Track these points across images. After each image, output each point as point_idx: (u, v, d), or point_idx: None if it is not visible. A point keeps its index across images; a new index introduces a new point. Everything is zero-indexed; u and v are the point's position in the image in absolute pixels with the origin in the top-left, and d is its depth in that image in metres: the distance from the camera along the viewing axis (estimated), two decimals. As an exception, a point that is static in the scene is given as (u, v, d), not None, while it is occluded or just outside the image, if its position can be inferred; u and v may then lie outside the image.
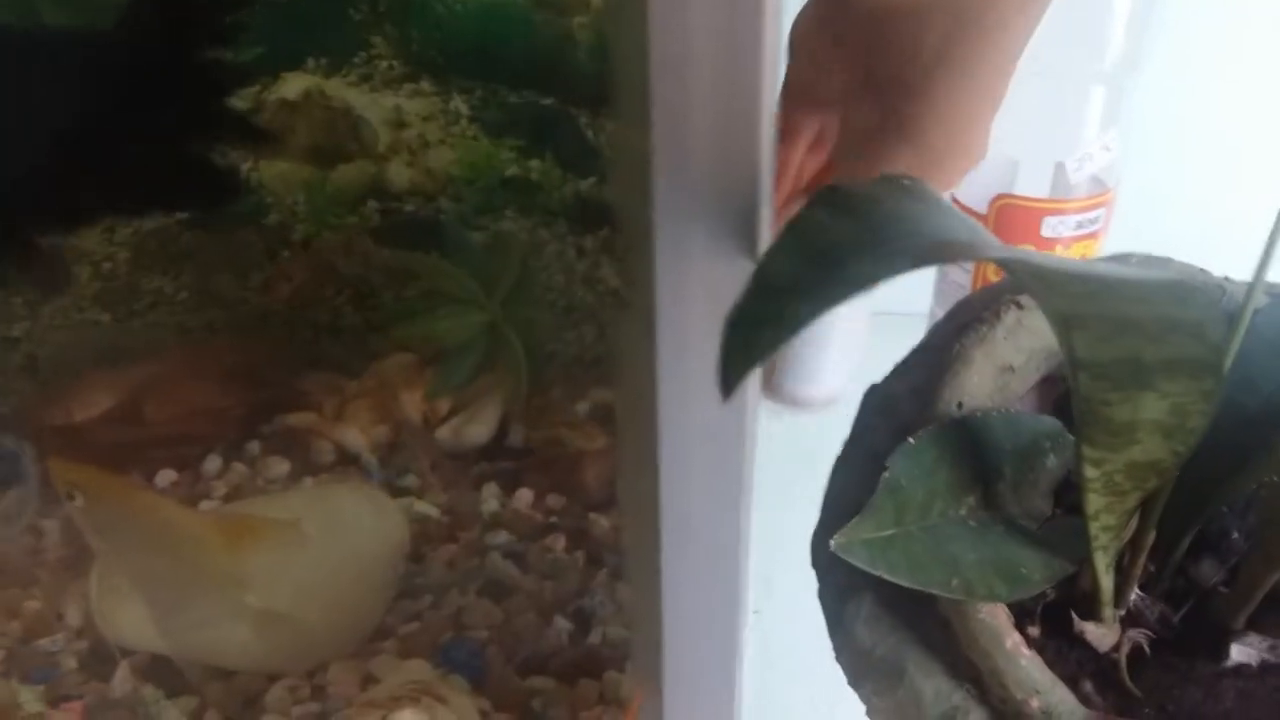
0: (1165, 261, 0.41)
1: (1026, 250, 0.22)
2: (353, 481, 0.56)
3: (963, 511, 0.31)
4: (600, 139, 0.62)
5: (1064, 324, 0.24)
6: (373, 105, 0.62)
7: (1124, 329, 0.23)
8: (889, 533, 0.28)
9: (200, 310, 0.66)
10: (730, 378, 0.18)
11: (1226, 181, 0.69)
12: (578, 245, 0.65)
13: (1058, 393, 0.39)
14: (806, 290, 0.18)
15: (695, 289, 0.21)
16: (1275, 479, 0.30)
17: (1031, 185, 0.55)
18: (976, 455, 0.32)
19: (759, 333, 0.18)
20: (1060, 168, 0.54)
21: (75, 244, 0.64)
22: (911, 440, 0.30)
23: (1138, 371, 0.24)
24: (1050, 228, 0.55)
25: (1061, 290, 0.22)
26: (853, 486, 0.33)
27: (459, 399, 0.61)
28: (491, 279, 0.61)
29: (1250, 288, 0.28)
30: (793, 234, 0.20)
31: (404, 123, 0.62)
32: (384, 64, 0.61)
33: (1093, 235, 0.56)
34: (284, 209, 0.64)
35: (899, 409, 0.34)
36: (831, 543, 0.27)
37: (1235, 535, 0.34)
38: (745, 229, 0.20)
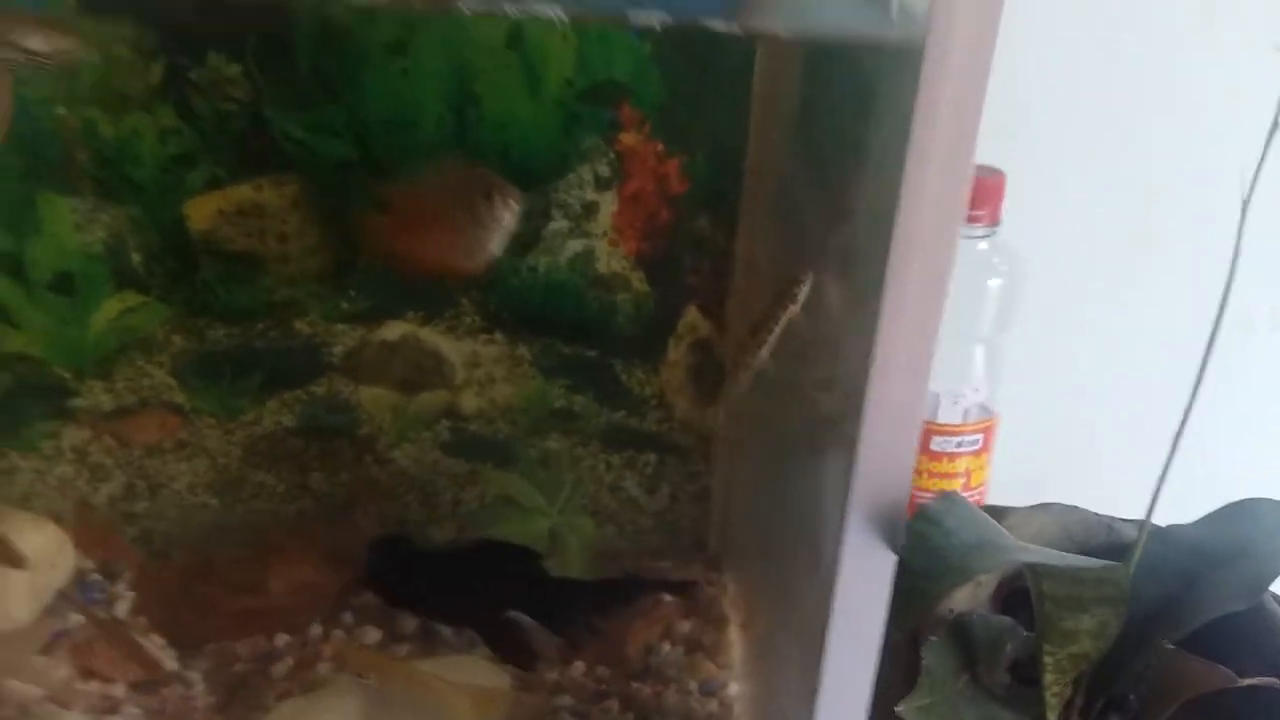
0: (1071, 509, 0.62)
1: (1043, 550, 0.40)
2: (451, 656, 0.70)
3: (961, 685, 0.49)
4: (630, 382, 0.80)
5: (1034, 574, 0.43)
6: (455, 349, 0.79)
7: (1074, 581, 0.42)
8: (928, 701, 0.46)
9: (294, 501, 0.81)
10: (899, 621, 0.36)
11: (1086, 412, 0.91)
12: (607, 462, 0.82)
13: (1005, 593, 0.58)
14: (930, 575, 0.36)
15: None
16: (1155, 663, 0.49)
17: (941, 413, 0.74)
18: (965, 645, 0.51)
19: (908, 598, 0.36)
20: (938, 399, 0.73)
21: (198, 442, 0.78)
22: (934, 638, 0.48)
23: (1079, 603, 0.43)
24: (937, 444, 0.73)
25: (1040, 563, 0.41)
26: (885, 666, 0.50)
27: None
28: (550, 489, 0.78)
29: (1141, 530, 0.48)
30: (914, 539, 0.38)
31: (478, 363, 0.79)
32: (467, 318, 0.78)
33: (975, 453, 0.75)
34: (373, 425, 0.80)
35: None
36: (898, 709, 0.45)
37: (1131, 698, 0.52)
38: (893, 533, 0.38)
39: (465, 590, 0.66)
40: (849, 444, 0.37)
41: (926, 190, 0.30)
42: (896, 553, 0.37)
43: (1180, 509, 0.54)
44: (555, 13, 0.46)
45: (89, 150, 0.69)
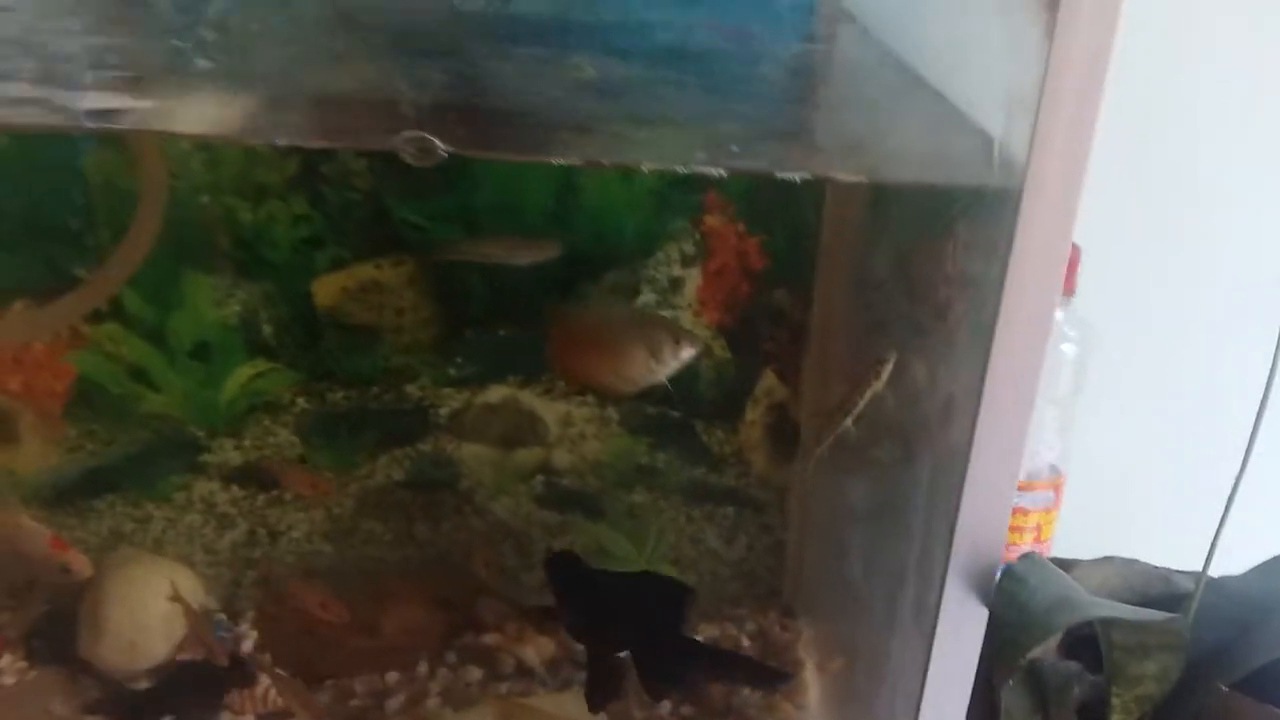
0: (1132, 562, 0.67)
1: (1113, 604, 0.46)
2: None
3: (1036, 724, 0.54)
4: (710, 441, 0.87)
5: (1105, 625, 0.49)
6: (550, 409, 0.86)
7: (1140, 630, 0.48)
8: (1008, 736, 0.51)
9: (399, 548, 0.87)
10: (995, 669, 0.42)
11: (1155, 472, 0.96)
12: (688, 515, 0.89)
13: (1070, 640, 0.64)
14: (1021, 627, 0.42)
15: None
16: (1211, 704, 0.54)
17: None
18: (1038, 689, 0.56)
19: (1003, 650, 0.42)
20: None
21: (314, 497, 0.85)
22: (1010, 683, 0.54)
23: (1145, 650, 0.49)
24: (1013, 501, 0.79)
25: (1110, 616, 0.47)
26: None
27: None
28: (637, 539, 0.84)
29: (1198, 583, 0.53)
30: (1003, 596, 0.44)
31: (570, 422, 0.86)
32: (561, 383, 0.85)
33: (1046, 509, 0.81)
34: (473, 479, 0.86)
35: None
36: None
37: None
38: (986, 588, 0.44)
39: (623, 613, 0.71)
40: (950, 508, 0.43)
41: (1022, 314, 0.36)
42: (989, 608, 0.43)
43: (1234, 559, 0.59)
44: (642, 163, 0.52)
45: (229, 234, 0.77)
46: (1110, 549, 0.70)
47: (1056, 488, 0.76)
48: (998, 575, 0.44)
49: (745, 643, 0.84)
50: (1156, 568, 0.69)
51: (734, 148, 0.43)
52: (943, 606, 0.42)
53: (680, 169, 0.46)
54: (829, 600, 0.80)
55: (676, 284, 0.82)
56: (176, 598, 0.76)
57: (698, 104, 0.49)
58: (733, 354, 0.84)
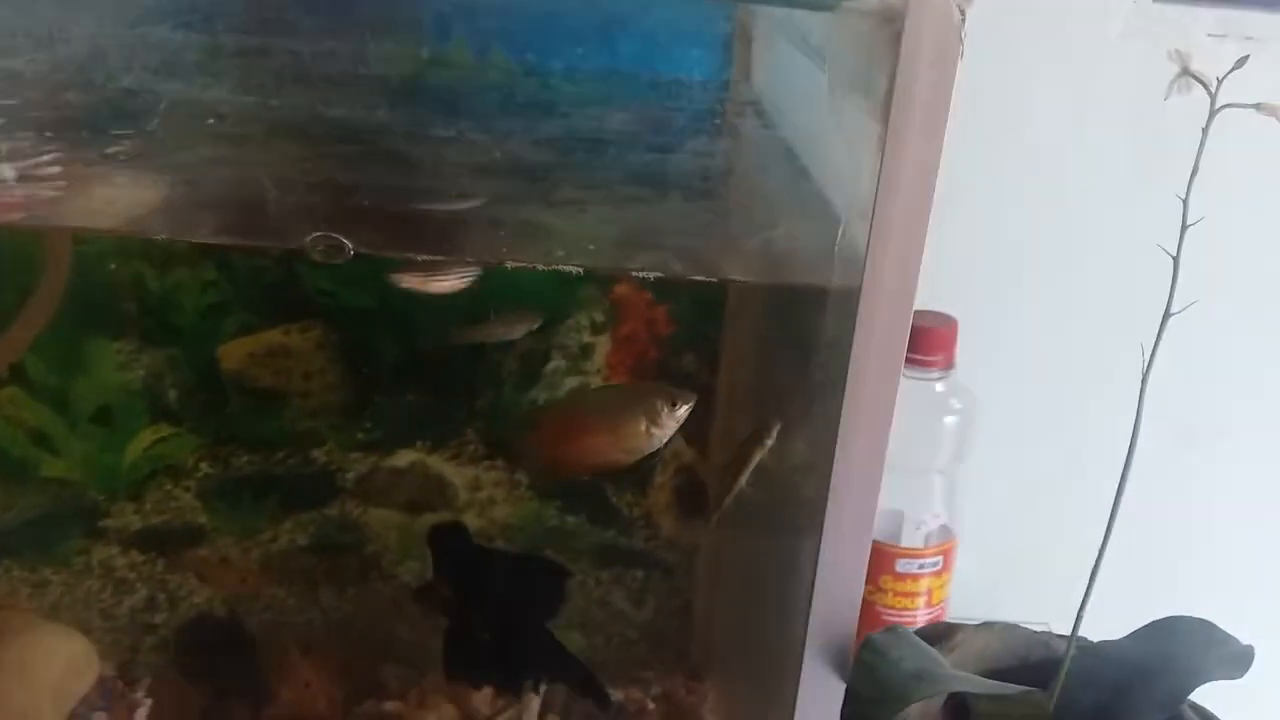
0: (1013, 627, 0.69)
1: (972, 679, 0.48)
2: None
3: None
4: (619, 504, 0.88)
5: (974, 696, 0.50)
6: (459, 474, 0.86)
7: (1001, 701, 0.49)
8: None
9: (302, 613, 0.87)
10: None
11: (1031, 533, 0.99)
12: (596, 578, 0.89)
13: (954, 703, 0.65)
14: (877, 702, 0.44)
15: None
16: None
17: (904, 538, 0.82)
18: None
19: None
20: (901, 525, 0.81)
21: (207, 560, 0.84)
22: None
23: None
24: (901, 566, 0.81)
25: (969, 691, 0.48)
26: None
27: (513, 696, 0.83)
28: (543, 605, 0.84)
29: (1068, 647, 0.55)
30: (861, 668, 0.45)
31: (479, 487, 0.87)
32: (471, 447, 0.85)
33: (936, 573, 0.83)
34: (379, 544, 0.86)
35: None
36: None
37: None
38: (842, 661, 0.45)
39: (499, 593, 0.72)
40: (805, 582, 0.44)
41: (863, 406, 0.38)
42: (846, 682, 0.45)
43: (1125, 621, 0.61)
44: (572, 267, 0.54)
45: (135, 299, 0.77)
46: (1004, 610, 0.72)
47: (946, 552, 0.78)
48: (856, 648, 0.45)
49: (650, 705, 0.84)
50: (1037, 632, 0.71)
51: (591, 247, 0.45)
52: (801, 680, 0.44)
53: (573, 270, 0.47)
54: (731, 664, 0.81)
55: (587, 350, 0.84)
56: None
57: (600, 196, 0.51)
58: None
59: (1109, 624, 0.61)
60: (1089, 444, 0.95)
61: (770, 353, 0.73)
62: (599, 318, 0.83)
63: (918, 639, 0.47)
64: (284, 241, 0.54)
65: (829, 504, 0.40)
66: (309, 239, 0.44)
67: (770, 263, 0.47)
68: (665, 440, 0.67)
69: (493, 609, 0.71)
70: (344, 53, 0.58)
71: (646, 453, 0.67)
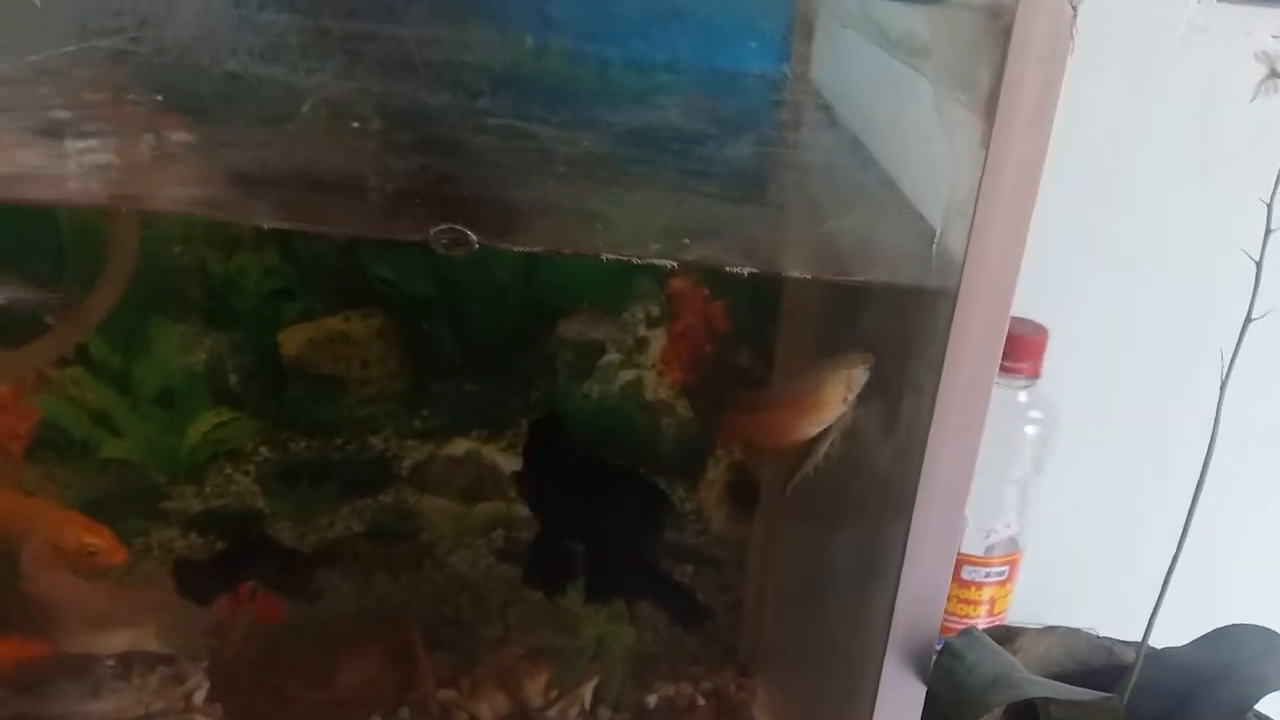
0: (1075, 632, 0.68)
1: (1051, 684, 0.47)
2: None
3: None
4: (672, 499, 0.87)
5: (1045, 703, 0.50)
6: (512, 464, 0.86)
7: (1077, 708, 0.49)
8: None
9: (357, 599, 0.87)
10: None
11: (1104, 547, 0.98)
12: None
13: (1014, 712, 0.65)
14: (956, 705, 0.43)
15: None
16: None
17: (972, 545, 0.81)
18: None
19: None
20: (970, 532, 0.80)
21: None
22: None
23: (1080, 728, 0.50)
24: (967, 574, 0.80)
25: (1050, 697, 0.48)
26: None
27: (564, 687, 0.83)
28: (595, 597, 0.84)
29: (1138, 654, 0.55)
30: (940, 673, 0.45)
31: (533, 477, 0.87)
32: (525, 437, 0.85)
33: (1000, 582, 0.82)
34: (434, 531, 0.87)
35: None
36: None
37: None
38: (923, 665, 0.45)
39: (593, 504, 0.70)
40: (889, 583, 0.44)
41: (955, 412, 0.38)
42: (926, 684, 0.44)
43: (1182, 629, 0.60)
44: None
45: (199, 283, 0.78)
46: (1061, 618, 0.71)
47: (1012, 563, 0.77)
48: (935, 652, 0.45)
49: (700, 701, 0.84)
50: (1100, 638, 0.70)
51: (686, 240, 0.44)
52: (882, 681, 0.43)
53: (635, 260, 0.47)
54: (785, 661, 0.81)
55: (642, 344, 0.83)
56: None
57: (666, 189, 0.50)
58: (694, 413, 0.85)
59: (1166, 630, 0.61)
60: (1147, 448, 0.94)
61: (830, 349, 0.72)
62: (654, 311, 0.83)
63: (994, 643, 0.47)
64: (395, 232, 0.54)
65: (916, 508, 0.40)
66: (434, 231, 0.44)
67: (845, 260, 0.47)
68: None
69: (586, 520, 0.69)
70: (410, 38, 0.58)
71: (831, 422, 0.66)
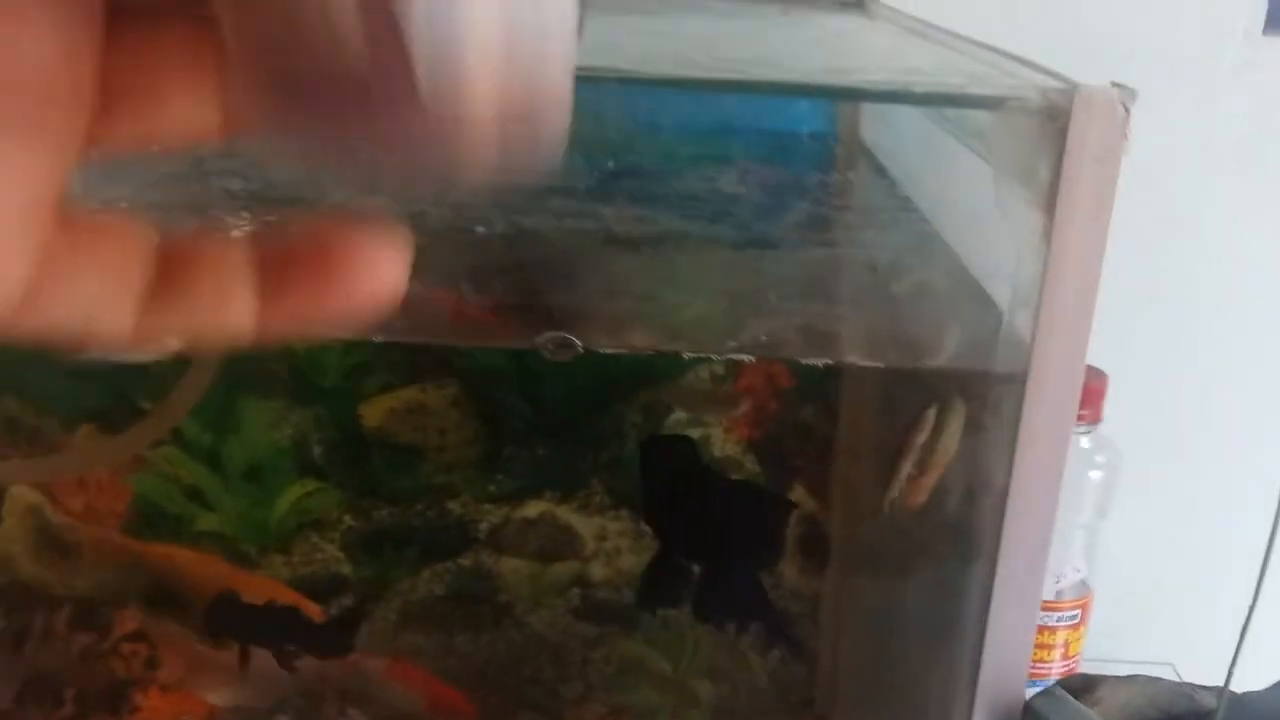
0: (1155, 680, 0.69)
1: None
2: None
3: None
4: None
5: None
6: (585, 524, 0.88)
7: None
8: None
9: (440, 659, 0.90)
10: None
11: (1175, 586, 0.98)
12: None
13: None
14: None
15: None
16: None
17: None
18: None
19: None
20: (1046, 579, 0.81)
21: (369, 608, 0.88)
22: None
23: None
24: (1041, 619, 0.81)
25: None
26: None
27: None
28: (672, 651, 0.86)
29: (1220, 699, 0.55)
30: (1027, 733, 0.46)
31: (605, 536, 0.89)
32: (597, 498, 0.88)
33: (1073, 626, 0.83)
34: (511, 592, 0.89)
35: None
36: None
37: None
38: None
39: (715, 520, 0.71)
40: (972, 637, 0.45)
41: (1029, 499, 0.39)
42: (1011, 747, 0.45)
43: (1262, 669, 0.61)
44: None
45: (284, 362, 0.81)
46: (1135, 656, 0.72)
47: (1083, 606, 0.78)
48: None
49: (780, 754, 0.85)
50: (1180, 684, 0.70)
51: (763, 337, 0.47)
52: (968, 748, 0.45)
53: (714, 357, 0.49)
54: (861, 711, 0.82)
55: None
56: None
57: (731, 268, 0.53)
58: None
59: (1246, 672, 0.61)
60: (1215, 486, 0.94)
61: (893, 404, 0.74)
62: (719, 370, 0.85)
63: (1076, 703, 0.48)
64: (500, 340, 0.57)
65: (1000, 562, 0.41)
66: (541, 339, 0.46)
67: (917, 347, 0.49)
68: None
69: (706, 539, 0.70)
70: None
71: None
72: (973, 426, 0.45)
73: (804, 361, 0.45)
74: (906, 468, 0.63)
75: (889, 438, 0.77)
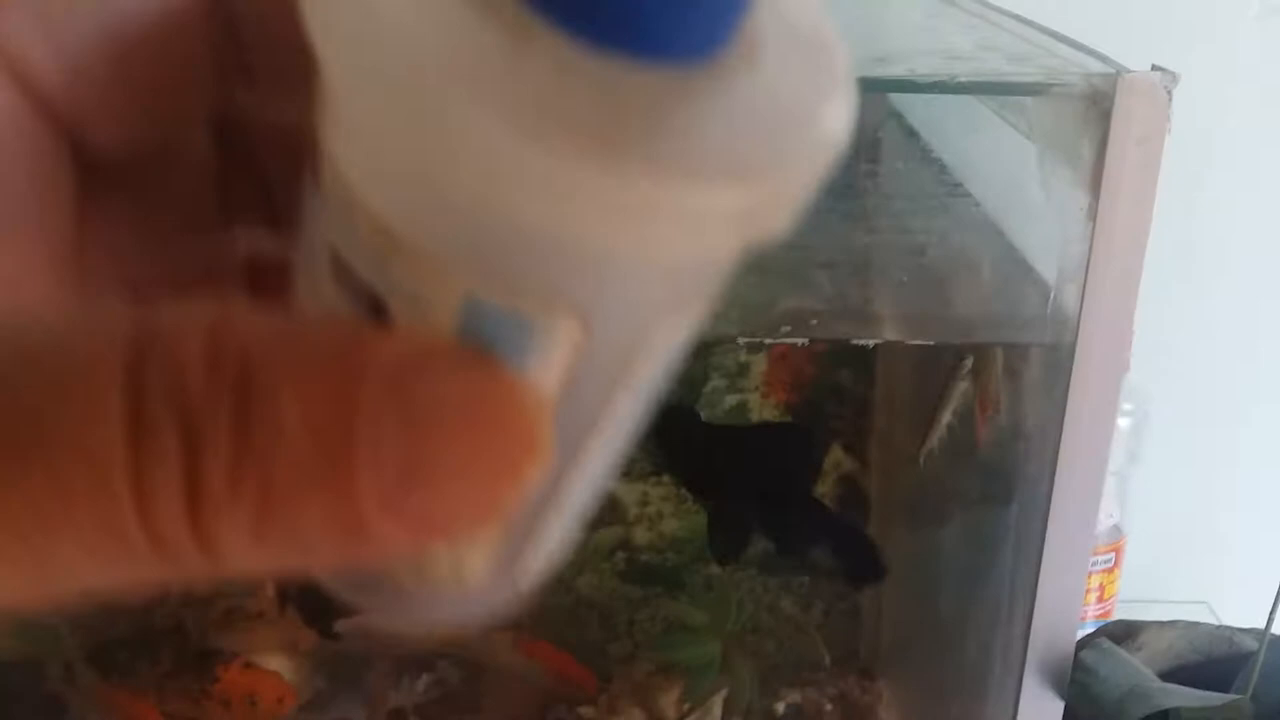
0: (1195, 625, 0.71)
1: (1181, 692, 0.50)
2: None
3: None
4: (783, 511, 0.91)
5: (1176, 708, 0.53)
6: (629, 490, 0.91)
7: (1206, 710, 0.52)
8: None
9: (492, 626, 0.93)
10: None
11: (1207, 528, 0.99)
12: (764, 584, 0.93)
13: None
14: (1092, 717, 0.46)
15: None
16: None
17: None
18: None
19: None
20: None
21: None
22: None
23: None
24: None
25: (1184, 706, 0.51)
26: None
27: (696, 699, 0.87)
28: (716, 611, 0.89)
29: (1261, 642, 0.57)
30: (1075, 689, 0.48)
31: (648, 502, 0.91)
32: (638, 464, 0.90)
33: (1107, 570, 0.85)
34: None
35: None
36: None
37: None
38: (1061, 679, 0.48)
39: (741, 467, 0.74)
40: (1023, 597, 0.47)
41: (1077, 472, 0.41)
42: (1064, 700, 0.47)
43: None
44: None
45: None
46: (1170, 597, 0.74)
47: (1117, 550, 0.80)
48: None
49: (827, 706, 0.88)
50: (1219, 627, 0.72)
51: (814, 322, 0.48)
52: (1021, 703, 0.47)
53: (766, 340, 0.51)
54: (907, 664, 0.84)
55: (743, 368, 0.87)
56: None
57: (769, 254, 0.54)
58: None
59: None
60: (1245, 430, 0.95)
61: (930, 358, 0.75)
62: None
63: (1123, 653, 0.50)
64: None
65: (1050, 518, 0.43)
66: None
67: (964, 323, 0.50)
68: None
69: (745, 486, 0.73)
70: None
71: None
72: (1018, 388, 0.47)
73: (855, 342, 0.47)
74: (946, 416, 0.65)
75: (927, 392, 0.78)
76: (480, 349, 0.14)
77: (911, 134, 0.73)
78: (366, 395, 0.13)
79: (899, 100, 0.74)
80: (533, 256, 0.13)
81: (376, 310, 0.14)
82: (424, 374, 0.13)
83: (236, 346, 0.12)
